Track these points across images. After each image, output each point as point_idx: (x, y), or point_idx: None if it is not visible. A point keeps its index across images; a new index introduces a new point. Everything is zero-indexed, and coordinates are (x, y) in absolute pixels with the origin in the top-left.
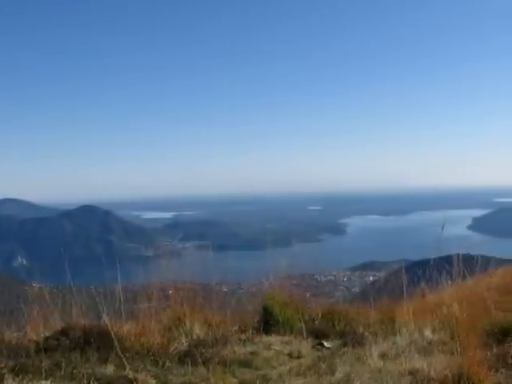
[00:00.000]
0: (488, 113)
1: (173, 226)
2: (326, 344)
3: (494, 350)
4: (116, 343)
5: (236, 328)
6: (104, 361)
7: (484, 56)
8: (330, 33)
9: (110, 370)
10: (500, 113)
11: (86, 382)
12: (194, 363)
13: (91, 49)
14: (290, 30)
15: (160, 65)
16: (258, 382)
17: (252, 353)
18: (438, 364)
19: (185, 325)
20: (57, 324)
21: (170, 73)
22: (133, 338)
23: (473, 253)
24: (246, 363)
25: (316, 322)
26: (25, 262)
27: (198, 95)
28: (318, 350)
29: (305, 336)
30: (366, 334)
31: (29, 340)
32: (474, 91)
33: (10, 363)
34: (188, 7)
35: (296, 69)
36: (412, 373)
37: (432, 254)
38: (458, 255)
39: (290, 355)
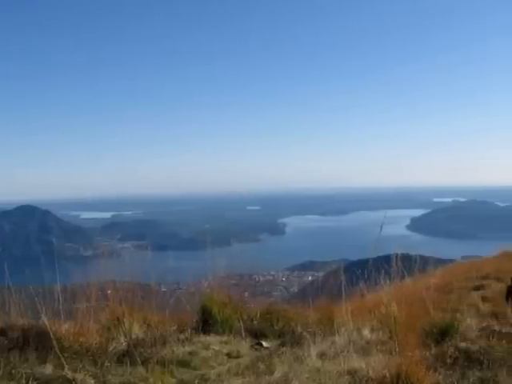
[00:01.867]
0: (425, 113)
1: (111, 226)
2: (264, 344)
3: (433, 350)
4: (55, 343)
5: (175, 328)
6: (43, 360)
7: (420, 57)
8: (268, 33)
9: (48, 369)
10: (436, 114)
11: (24, 381)
12: (133, 363)
13: (21, 49)
14: (229, 30)
15: (94, 64)
16: (196, 381)
17: (191, 353)
18: (377, 364)
19: (123, 325)
20: None
21: (105, 73)
22: (71, 338)
23: (411, 253)
24: (184, 363)
25: (255, 322)
26: None
27: (135, 95)
28: (256, 349)
29: (243, 336)
30: (305, 333)
31: None
32: (410, 92)
33: None
34: (120, 7)
35: (232, 69)
36: (351, 372)
37: (371, 254)
38: (397, 255)
39: (229, 355)
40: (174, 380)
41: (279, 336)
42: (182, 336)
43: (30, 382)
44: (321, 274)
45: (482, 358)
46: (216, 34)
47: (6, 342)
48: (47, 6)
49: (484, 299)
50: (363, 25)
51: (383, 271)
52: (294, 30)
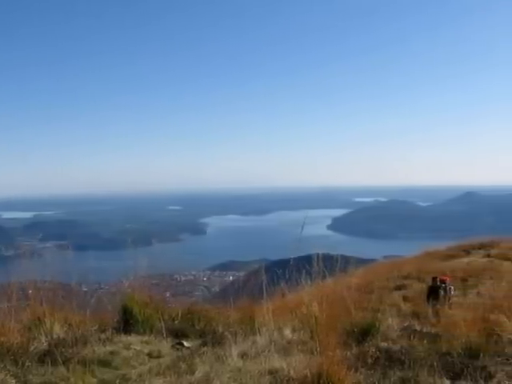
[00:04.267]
0: (346, 114)
1: (33, 226)
2: (185, 343)
3: (354, 350)
4: None
5: (96, 328)
6: None
7: (339, 58)
8: (189, 33)
9: None
10: (357, 113)
11: None
12: (54, 363)
13: None
14: (151, 30)
15: (19, 64)
16: (117, 381)
17: (112, 352)
18: (298, 363)
19: (45, 324)
20: None
21: (30, 72)
22: None
23: (332, 252)
24: (105, 363)
25: (176, 322)
26: None
27: (60, 95)
28: (177, 349)
29: (164, 335)
30: (226, 333)
31: None
32: (331, 93)
33: None
34: (45, 6)
35: (154, 69)
36: (272, 372)
37: (292, 254)
38: (318, 255)
39: (150, 355)
40: (94, 380)
41: (200, 336)
42: (103, 336)
43: None
44: (242, 273)
45: (403, 357)
46: (139, 34)
47: None
48: None
49: (405, 299)
50: (284, 26)
51: (304, 271)
52: (215, 31)
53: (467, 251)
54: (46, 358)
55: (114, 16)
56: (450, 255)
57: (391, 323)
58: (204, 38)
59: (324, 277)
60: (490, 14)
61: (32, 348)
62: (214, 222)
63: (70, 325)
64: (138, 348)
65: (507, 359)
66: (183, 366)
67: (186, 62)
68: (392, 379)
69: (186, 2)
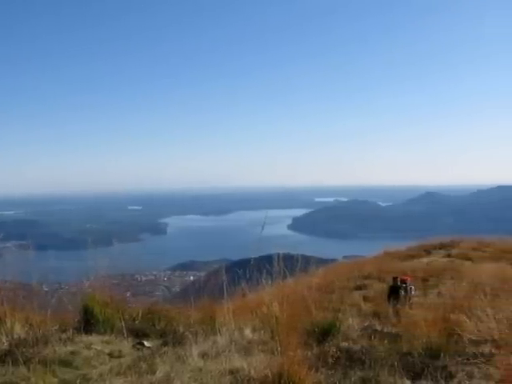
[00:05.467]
0: (305, 114)
1: None
2: (146, 343)
3: (315, 350)
4: None
5: (57, 327)
6: None
7: (300, 57)
8: (147, 33)
9: None
10: (316, 114)
11: None
12: (15, 363)
13: None
14: (108, 30)
15: None
16: (78, 381)
17: (72, 352)
18: (259, 363)
19: (5, 324)
20: None
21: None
22: None
23: (293, 252)
24: (66, 363)
25: (136, 322)
26: None
27: (18, 94)
28: (138, 349)
29: (125, 335)
30: (187, 333)
31: None
32: (291, 92)
33: None
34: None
35: (111, 69)
36: (232, 372)
37: (252, 254)
38: (279, 255)
39: (111, 355)
40: (55, 379)
41: (161, 336)
42: (63, 336)
43: None
44: (202, 273)
45: (363, 357)
46: (95, 35)
47: None
48: None
49: (366, 299)
50: (242, 26)
51: (265, 271)
52: (171, 31)
53: (428, 251)
54: (6, 358)
55: (70, 16)
56: (410, 255)
57: (352, 323)
58: (160, 38)
59: (285, 277)
60: (449, 14)
61: None
62: (174, 222)
63: (30, 325)
64: (99, 348)
65: (468, 359)
66: (144, 365)
67: (142, 62)
68: (353, 379)
69: (142, 2)
